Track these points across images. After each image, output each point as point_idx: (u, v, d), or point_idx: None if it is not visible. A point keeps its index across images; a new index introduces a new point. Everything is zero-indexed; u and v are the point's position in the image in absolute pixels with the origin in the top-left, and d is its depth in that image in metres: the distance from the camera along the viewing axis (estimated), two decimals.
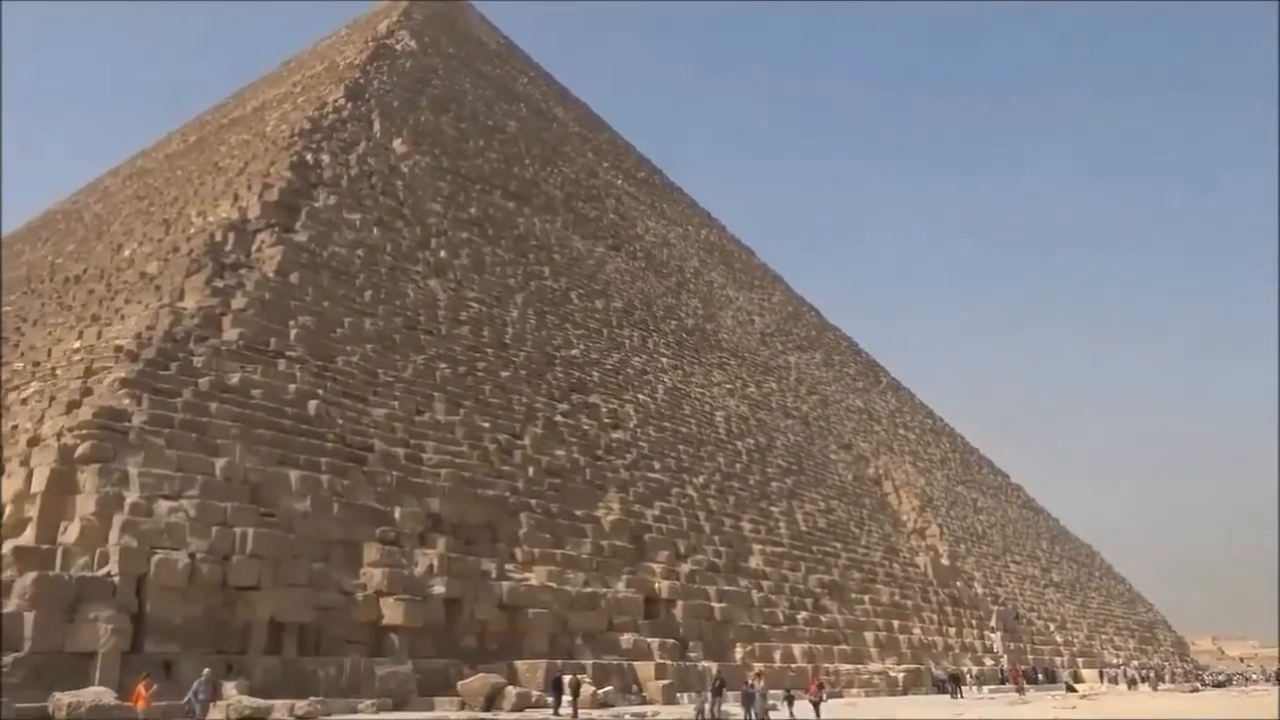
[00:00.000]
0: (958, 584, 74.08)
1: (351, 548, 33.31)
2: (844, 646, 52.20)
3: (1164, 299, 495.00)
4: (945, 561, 76.11)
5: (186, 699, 23.29)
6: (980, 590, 77.41)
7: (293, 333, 40.19)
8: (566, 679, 31.27)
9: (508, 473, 42.56)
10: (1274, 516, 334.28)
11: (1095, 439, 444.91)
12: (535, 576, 38.18)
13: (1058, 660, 77.55)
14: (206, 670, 24.53)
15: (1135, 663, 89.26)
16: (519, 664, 33.92)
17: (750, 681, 33.31)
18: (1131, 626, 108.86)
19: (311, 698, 26.53)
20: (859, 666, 51.05)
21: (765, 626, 48.06)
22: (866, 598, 59.45)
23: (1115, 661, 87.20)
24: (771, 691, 34.06)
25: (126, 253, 54.73)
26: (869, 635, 55.49)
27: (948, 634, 65.16)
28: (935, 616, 65.76)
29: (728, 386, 74.42)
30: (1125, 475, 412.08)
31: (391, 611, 32.02)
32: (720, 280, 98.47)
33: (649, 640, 40.30)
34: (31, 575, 25.65)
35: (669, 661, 39.27)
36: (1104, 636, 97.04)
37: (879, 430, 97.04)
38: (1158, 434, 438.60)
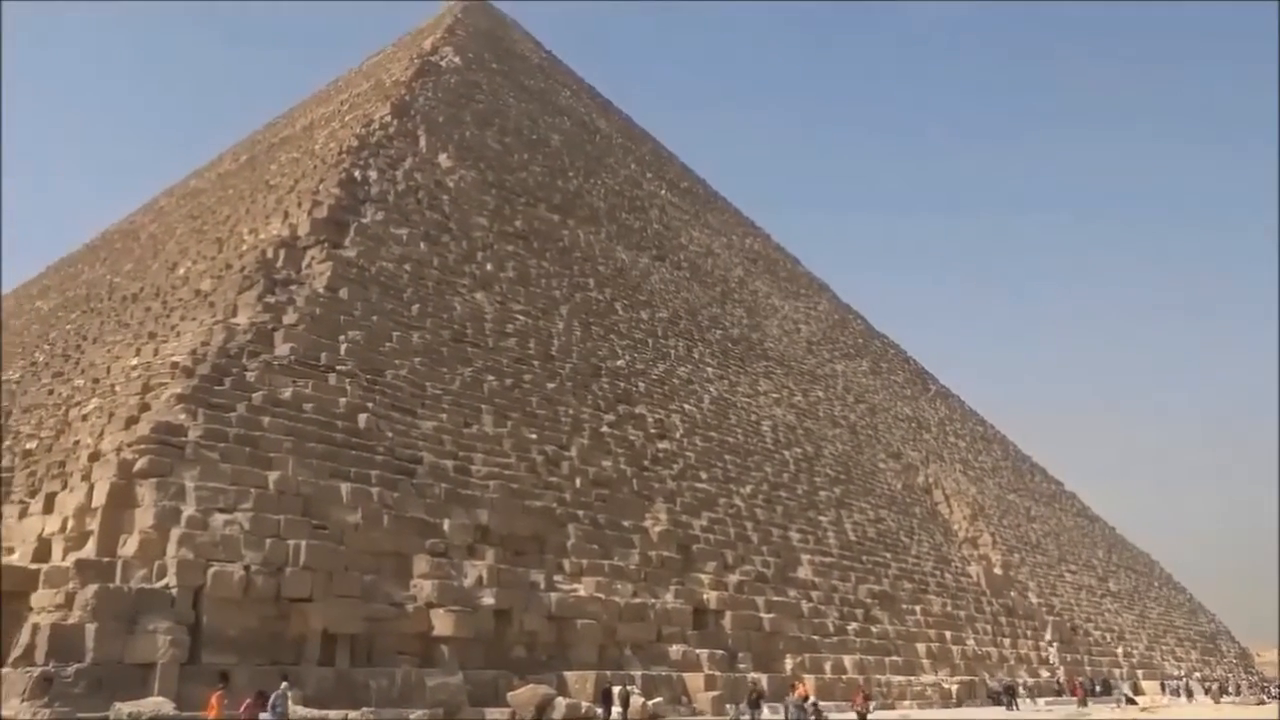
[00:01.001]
0: (1011, 594, 72.84)
1: (402, 559, 33.61)
2: (895, 658, 51.55)
3: (1164, 298, 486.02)
4: (998, 571, 74.90)
5: (245, 706, 23.57)
6: (1035, 600, 76.01)
7: (343, 347, 40.77)
8: (616, 690, 31.37)
9: (555, 484, 42.72)
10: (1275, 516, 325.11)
11: (1093, 440, 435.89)
12: (584, 587, 38.23)
13: (1117, 672, 75.89)
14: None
15: (1197, 674, 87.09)
16: (568, 675, 33.95)
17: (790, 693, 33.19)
18: (1193, 637, 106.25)
19: (364, 708, 26.83)
20: (911, 678, 50.40)
21: (815, 637, 47.63)
22: (918, 608, 58.66)
23: (1177, 673, 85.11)
24: (822, 703, 33.84)
25: (181, 271, 55.86)
26: (921, 646, 54.72)
27: (1002, 645, 64.05)
28: (989, 627, 64.69)
29: (774, 395, 74.04)
30: (1125, 476, 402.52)
31: (441, 623, 32.21)
32: (765, 289, 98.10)
33: (698, 651, 40.13)
34: (93, 588, 26.24)
35: (718, 672, 39.13)
36: (1164, 647, 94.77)
37: (928, 438, 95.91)
38: (1156, 434, 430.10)
